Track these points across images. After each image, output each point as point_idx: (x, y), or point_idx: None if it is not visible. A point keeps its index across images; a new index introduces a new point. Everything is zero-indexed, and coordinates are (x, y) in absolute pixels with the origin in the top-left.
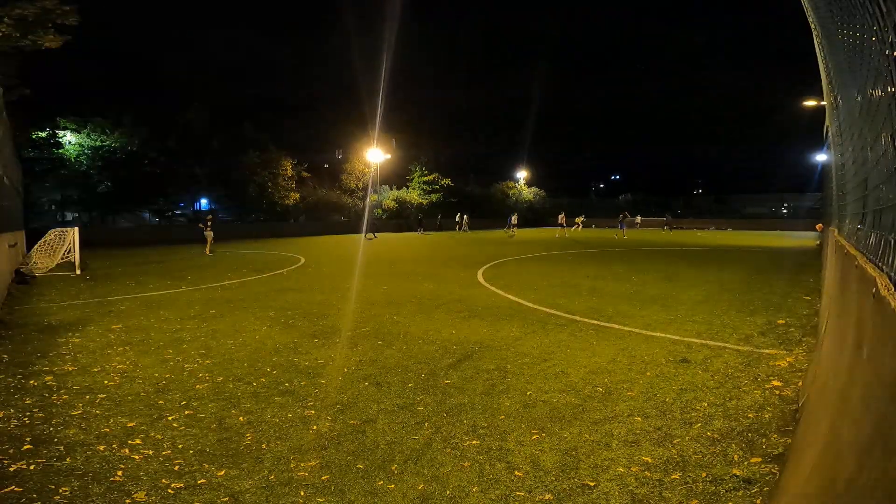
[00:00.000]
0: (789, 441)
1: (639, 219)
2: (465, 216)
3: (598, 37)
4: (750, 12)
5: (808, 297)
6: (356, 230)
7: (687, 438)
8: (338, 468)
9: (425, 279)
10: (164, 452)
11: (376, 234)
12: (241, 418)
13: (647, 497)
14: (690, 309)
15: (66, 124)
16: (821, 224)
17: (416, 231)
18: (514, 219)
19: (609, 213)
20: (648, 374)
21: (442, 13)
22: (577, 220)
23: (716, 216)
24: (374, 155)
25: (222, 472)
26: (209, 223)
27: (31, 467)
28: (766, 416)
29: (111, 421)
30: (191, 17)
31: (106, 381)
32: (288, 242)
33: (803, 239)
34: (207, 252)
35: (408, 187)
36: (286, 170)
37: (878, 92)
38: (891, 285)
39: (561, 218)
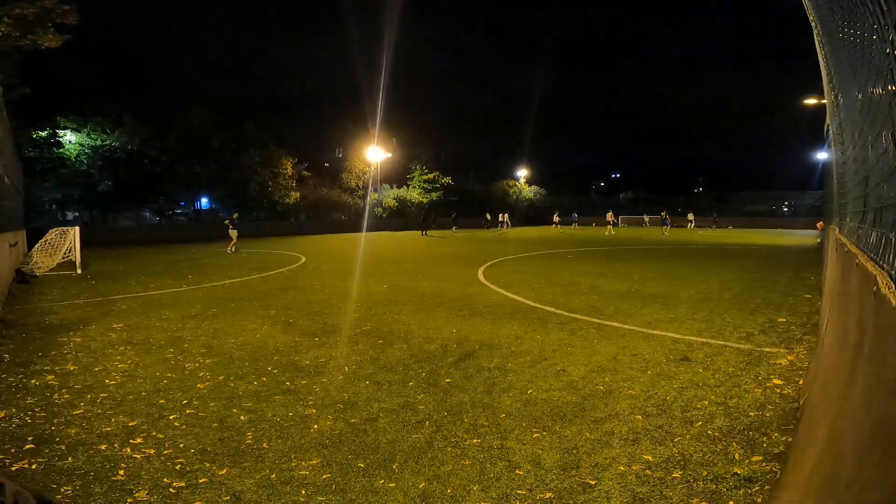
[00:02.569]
0: (790, 439)
1: (646, 217)
2: (506, 214)
3: (599, 37)
4: (750, 12)
5: (809, 296)
6: (357, 229)
7: (688, 437)
8: (339, 467)
9: (426, 278)
10: (165, 451)
11: (427, 232)
12: (242, 417)
13: (648, 495)
14: (691, 307)
15: (66, 124)
16: (821, 222)
17: (449, 229)
18: (555, 216)
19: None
20: (649, 372)
21: (443, 12)
22: (689, 216)
23: (709, 214)
24: (375, 154)
25: (223, 471)
26: (230, 223)
27: (33, 466)
28: (767, 415)
29: (112, 420)
30: (191, 16)
31: (107, 381)
32: (288, 241)
33: (804, 237)
34: (231, 250)
35: (408, 186)
36: (286, 169)
37: (879, 90)
38: (891, 283)
39: (609, 216)
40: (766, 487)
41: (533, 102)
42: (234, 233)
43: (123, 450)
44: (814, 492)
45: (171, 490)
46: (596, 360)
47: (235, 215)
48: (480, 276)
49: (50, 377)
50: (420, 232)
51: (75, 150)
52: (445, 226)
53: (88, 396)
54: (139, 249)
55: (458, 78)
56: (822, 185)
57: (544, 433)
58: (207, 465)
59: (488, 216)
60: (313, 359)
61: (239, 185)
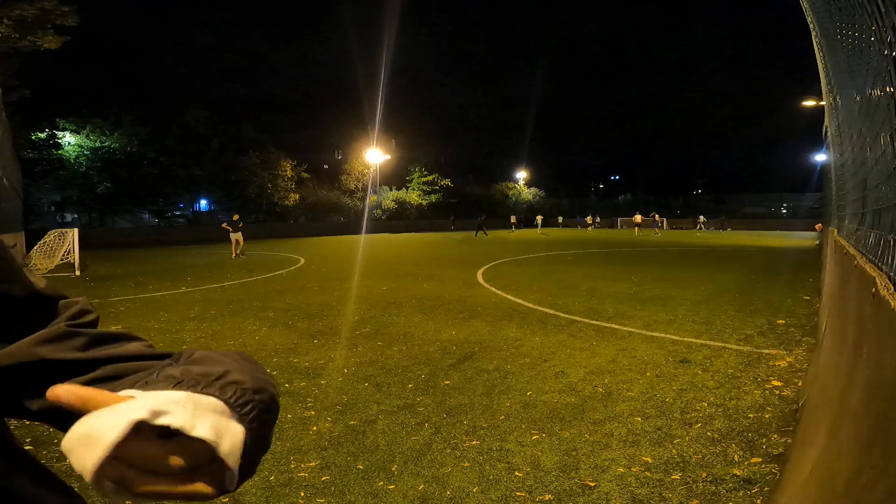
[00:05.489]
0: (789, 441)
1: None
2: (538, 216)
3: (598, 37)
4: (749, 12)
5: (808, 297)
6: (356, 231)
7: (687, 439)
8: (338, 469)
9: (425, 280)
10: None
11: (488, 232)
12: None
13: (647, 497)
14: (690, 309)
15: (65, 125)
16: (820, 224)
17: (471, 231)
18: (588, 219)
19: (610, 213)
20: (648, 374)
21: (442, 13)
22: (700, 218)
23: (715, 216)
24: (374, 155)
25: None
26: (229, 226)
27: None
28: (767, 416)
29: None
30: (190, 17)
31: None
32: (287, 243)
33: (803, 239)
34: (235, 255)
35: (407, 188)
36: (285, 170)
37: (877, 92)
38: (890, 285)
39: (637, 217)
40: (766, 489)
41: (532, 104)
42: (235, 236)
43: None
44: (813, 493)
45: None
46: (595, 361)
47: (236, 217)
48: (479, 278)
49: None
50: (479, 233)
51: (74, 151)
52: (470, 227)
53: None
54: (138, 251)
55: (457, 79)
56: (820, 187)
57: (543, 435)
58: None
59: (520, 218)
60: (312, 360)
61: (238, 187)
